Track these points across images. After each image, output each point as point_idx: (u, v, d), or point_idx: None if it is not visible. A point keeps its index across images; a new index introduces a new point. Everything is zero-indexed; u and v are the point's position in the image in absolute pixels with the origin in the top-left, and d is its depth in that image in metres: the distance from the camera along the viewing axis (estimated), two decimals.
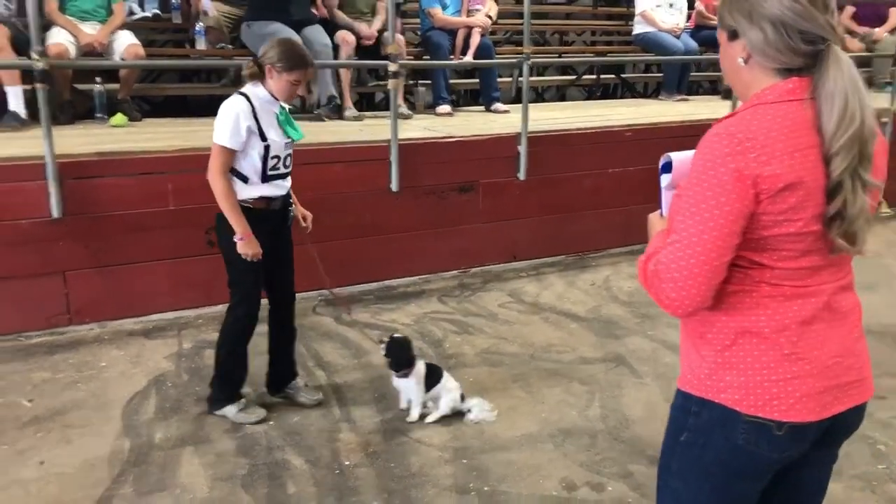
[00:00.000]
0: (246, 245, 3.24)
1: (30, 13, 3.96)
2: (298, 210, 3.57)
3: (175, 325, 4.54)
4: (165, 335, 4.41)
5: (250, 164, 3.25)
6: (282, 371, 3.69)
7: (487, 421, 3.52)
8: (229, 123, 3.15)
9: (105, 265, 4.41)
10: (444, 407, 3.53)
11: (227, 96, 3.28)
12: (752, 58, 1.52)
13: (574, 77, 8.16)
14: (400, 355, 3.49)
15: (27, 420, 3.47)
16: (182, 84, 6.45)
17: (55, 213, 4.17)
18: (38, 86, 4.06)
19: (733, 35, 1.54)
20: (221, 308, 4.67)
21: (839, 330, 1.55)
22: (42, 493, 2.94)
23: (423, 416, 3.52)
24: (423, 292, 5.18)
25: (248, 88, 3.25)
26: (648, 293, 1.59)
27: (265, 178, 3.29)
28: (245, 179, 3.26)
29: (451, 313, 4.84)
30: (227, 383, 3.51)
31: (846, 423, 1.60)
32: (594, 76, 8.23)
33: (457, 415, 3.55)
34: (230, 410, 3.48)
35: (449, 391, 3.54)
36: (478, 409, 3.55)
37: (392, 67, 4.96)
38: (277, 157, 3.30)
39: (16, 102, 5.03)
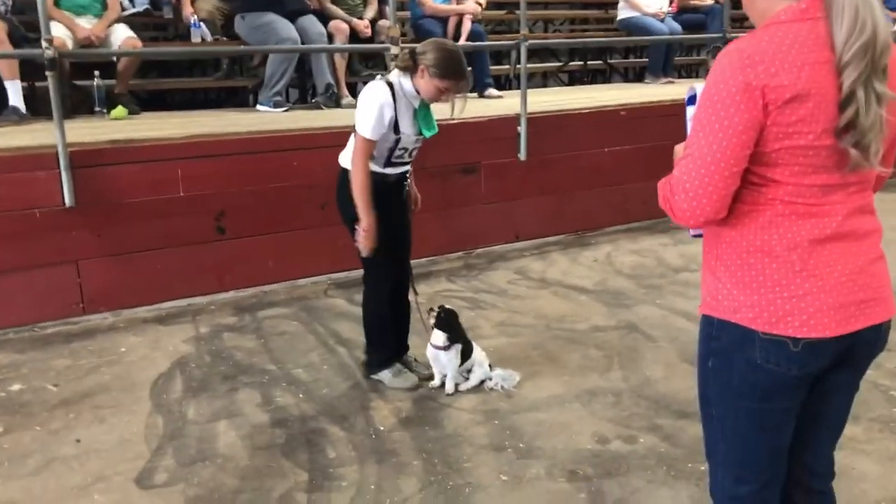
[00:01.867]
0: (366, 237, 3.27)
1: (39, 4, 3.95)
2: (413, 190, 3.60)
3: (188, 311, 4.55)
4: (180, 321, 4.42)
5: (378, 150, 3.28)
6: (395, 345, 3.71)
7: (507, 389, 3.57)
8: (373, 114, 3.15)
9: (117, 253, 4.41)
10: (475, 378, 3.58)
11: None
12: None
13: (561, 63, 8.26)
14: (452, 327, 3.53)
15: (56, 403, 3.47)
16: (174, 78, 6.44)
17: (68, 201, 4.17)
18: (49, 74, 4.06)
19: None
20: (234, 294, 4.78)
21: (854, 250, 1.56)
22: (84, 467, 2.96)
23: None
24: (430, 273, 5.23)
25: (395, 78, 3.24)
26: (665, 211, 1.64)
27: (387, 164, 3.35)
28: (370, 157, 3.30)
29: (462, 291, 4.90)
30: (378, 349, 3.61)
31: (866, 342, 1.62)
32: (580, 62, 8.34)
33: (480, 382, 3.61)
34: (385, 375, 3.58)
35: (480, 364, 3.60)
36: (499, 377, 3.61)
37: (394, 50, 5.01)
38: (405, 149, 3.34)
39: (15, 97, 5.02)
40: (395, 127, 3.24)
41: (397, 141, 3.29)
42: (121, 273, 4.44)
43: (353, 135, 3.29)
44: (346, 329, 4.28)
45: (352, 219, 3.35)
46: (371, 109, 3.17)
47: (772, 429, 1.69)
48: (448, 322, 3.52)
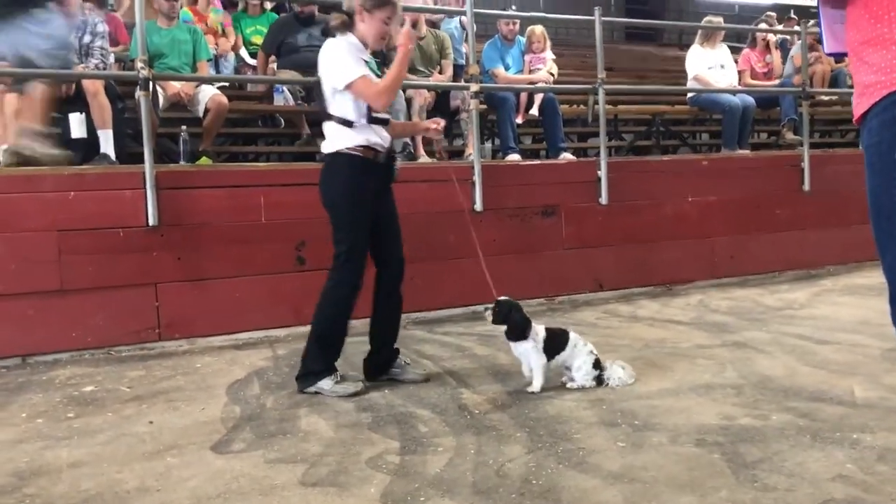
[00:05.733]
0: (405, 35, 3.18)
1: (138, 20, 4.13)
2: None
3: (265, 341, 4.38)
4: (257, 347, 4.24)
5: (354, 105, 3.14)
6: (386, 350, 3.43)
7: (628, 384, 3.23)
8: (347, 56, 3.09)
9: (196, 278, 4.32)
10: (581, 378, 3.22)
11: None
12: None
13: (633, 137, 8.18)
14: (510, 317, 3.26)
15: (129, 398, 3.28)
16: (252, 147, 6.60)
17: (152, 220, 4.14)
18: (140, 93, 4.17)
19: None
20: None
21: None
22: (156, 440, 2.73)
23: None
24: None
25: (339, 39, 3.20)
26: None
27: (371, 119, 3.18)
28: (349, 124, 3.15)
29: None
30: (324, 354, 3.24)
31: None
32: (648, 140, 8.24)
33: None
34: (326, 384, 3.19)
35: (581, 355, 3.23)
36: (618, 371, 3.25)
37: (473, 88, 5.06)
38: None
39: (106, 145, 5.15)
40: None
41: None
42: (199, 299, 4.32)
43: (328, 123, 3.21)
44: (429, 349, 4.04)
45: (331, 205, 3.23)
46: (342, 54, 3.13)
47: None
48: (506, 315, 3.22)
